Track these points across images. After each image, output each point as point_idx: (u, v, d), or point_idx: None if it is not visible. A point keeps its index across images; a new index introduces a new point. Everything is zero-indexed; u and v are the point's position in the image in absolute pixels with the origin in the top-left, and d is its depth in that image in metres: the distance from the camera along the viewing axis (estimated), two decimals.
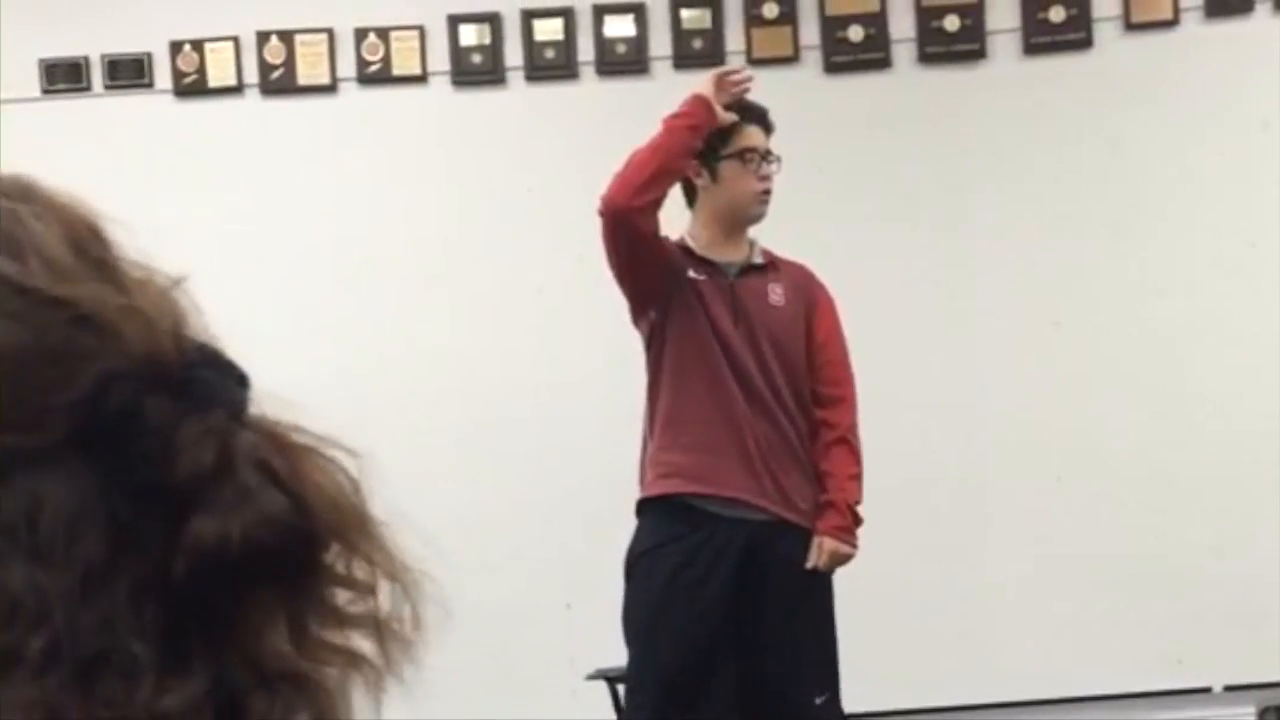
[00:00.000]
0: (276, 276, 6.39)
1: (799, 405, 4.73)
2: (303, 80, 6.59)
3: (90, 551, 0.64)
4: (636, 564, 4.67)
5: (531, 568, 6.34)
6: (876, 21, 6.57)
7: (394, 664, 0.70)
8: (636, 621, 4.66)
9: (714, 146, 4.74)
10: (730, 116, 4.66)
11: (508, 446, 6.38)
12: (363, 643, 0.70)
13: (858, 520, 4.70)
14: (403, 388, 6.40)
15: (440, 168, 6.53)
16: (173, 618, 0.65)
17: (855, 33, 6.56)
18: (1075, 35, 6.54)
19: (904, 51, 6.59)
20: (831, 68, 6.58)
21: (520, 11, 6.59)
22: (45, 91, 6.56)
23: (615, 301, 4.77)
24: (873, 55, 6.57)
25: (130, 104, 6.56)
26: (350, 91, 6.61)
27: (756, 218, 4.80)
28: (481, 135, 6.55)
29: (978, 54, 6.57)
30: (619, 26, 6.61)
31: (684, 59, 6.57)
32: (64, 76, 6.56)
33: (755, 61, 6.53)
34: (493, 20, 6.59)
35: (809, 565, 4.62)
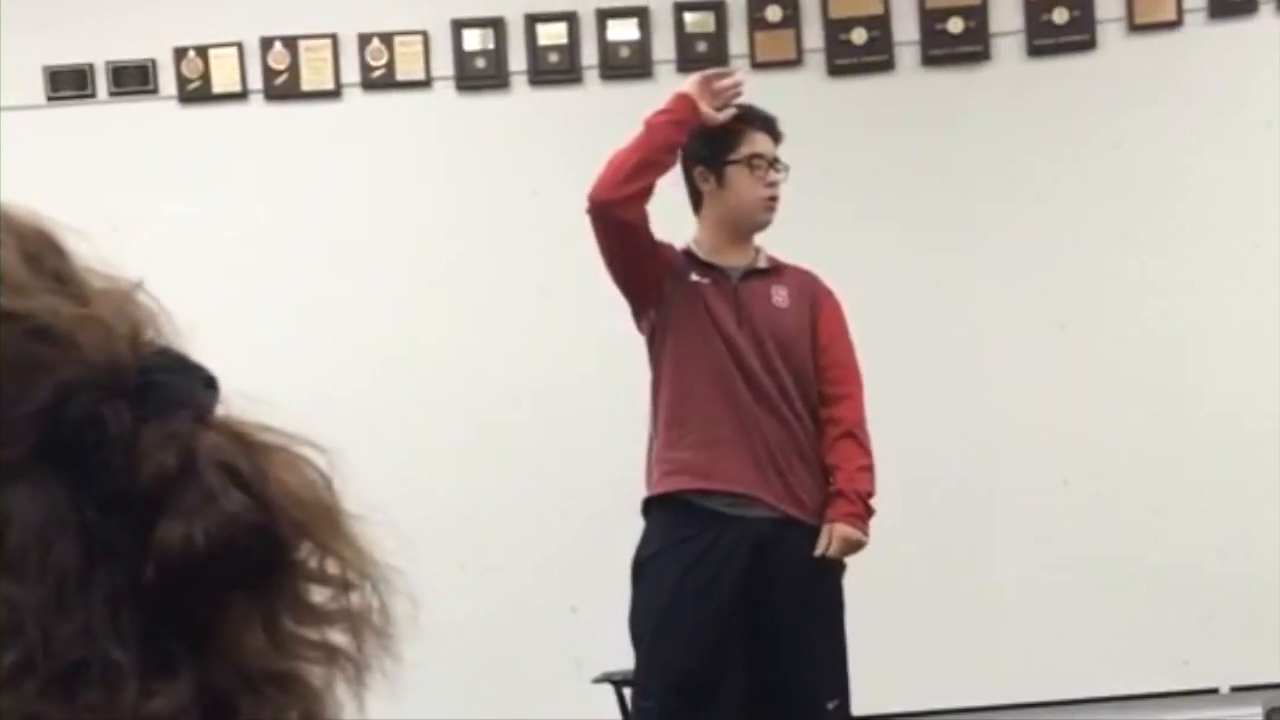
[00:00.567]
0: (281, 281, 6.40)
1: (806, 405, 4.73)
2: (307, 86, 6.60)
3: (62, 562, 0.64)
4: (644, 566, 4.67)
5: (536, 571, 6.34)
6: (880, 24, 6.57)
7: (370, 658, 0.70)
8: (644, 625, 4.66)
9: (721, 152, 4.74)
10: (718, 116, 4.65)
11: (511, 449, 6.39)
12: (341, 638, 0.69)
13: (870, 510, 4.69)
14: (406, 390, 6.41)
15: (444, 172, 6.53)
16: (151, 623, 0.65)
17: (858, 35, 6.56)
18: (1079, 37, 6.54)
19: (907, 54, 6.59)
20: (835, 70, 6.58)
21: (524, 16, 6.59)
22: (50, 98, 6.57)
23: (618, 304, 4.77)
24: (876, 58, 6.57)
25: (135, 110, 6.57)
26: (354, 97, 6.62)
27: (762, 225, 4.80)
28: (485, 139, 6.56)
29: (981, 56, 6.57)
30: (622, 30, 6.61)
31: (687, 63, 6.57)
32: (68, 83, 6.57)
33: (759, 65, 6.54)
34: (496, 25, 6.60)
35: (817, 551, 4.61)
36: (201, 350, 0.70)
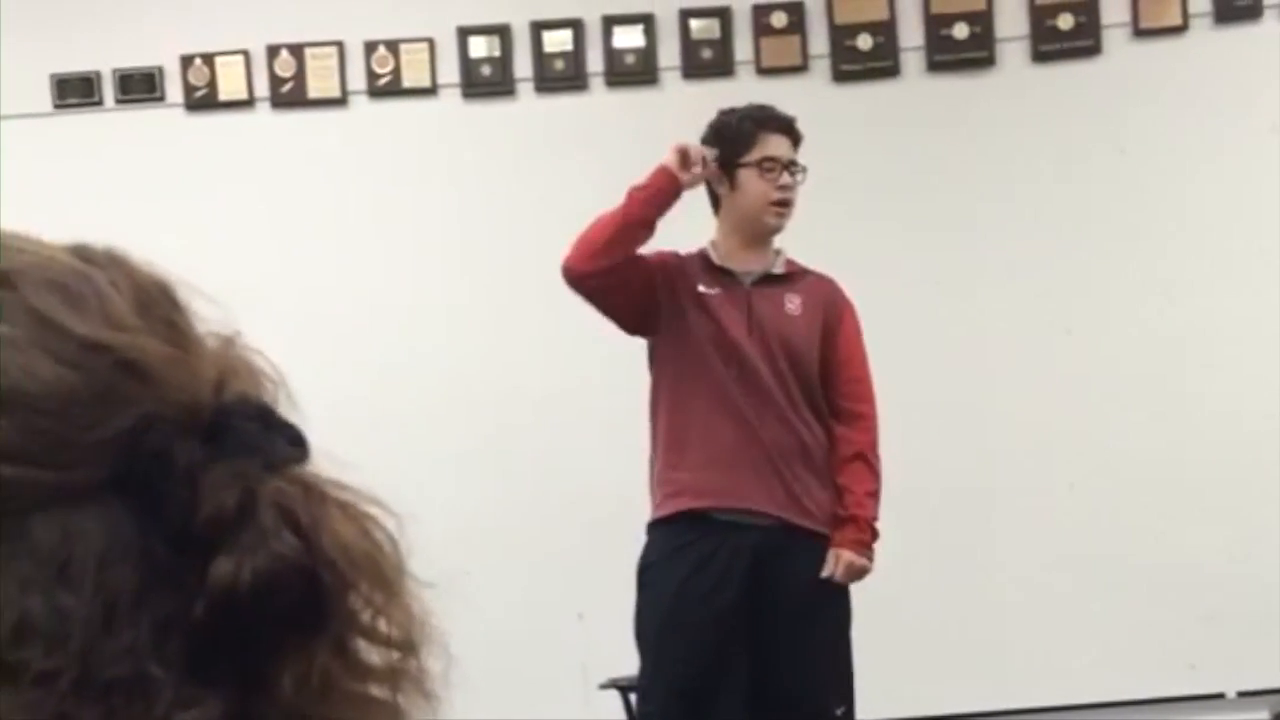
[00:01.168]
0: (287, 288, 6.40)
1: (814, 413, 4.73)
2: (313, 93, 6.61)
3: (117, 583, 0.66)
4: (647, 572, 4.68)
5: (543, 577, 6.35)
6: (885, 30, 6.58)
7: (409, 717, 0.72)
8: (647, 630, 4.67)
9: (734, 154, 4.75)
10: (699, 180, 4.64)
11: (517, 454, 6.39)
12: (385, 693, 0.72)
13: (875, 535, 4.71)
14: (412, 396, 6.42)
15: (450, 179, 6.54)
16: (197, 654, 0.67)
17: (864, 41, 6.57)
18: (1084, 42, 6.54)
19: (913, 59, 6.60)
20: (840, 76, 6.59)
21: (529, 23, 6.60)
22: (57, 106, 6.59)
23: None
24: (881, 63, 6.58)
25: (141, 118, 6.59)
26: (360, 104, 6.63)
27: (771, 229, 4.79)
28: (491, 146, 6.57)
29: (987, 61, 6.58)
30: (628, 37, 6.62)
31: (693, 69, 6.59)
32: (75, 91, 6.58)
33: (764, 71, 6.55)
34: (502, 32, 6.61)
35: (824, 574, 4.62)
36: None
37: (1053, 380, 6.41)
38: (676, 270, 4.73)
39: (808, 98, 6.33)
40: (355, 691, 0.70)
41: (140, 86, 6.60)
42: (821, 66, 6.60)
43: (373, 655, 0.71)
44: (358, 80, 6.62)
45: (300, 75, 6.61)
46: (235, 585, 0.67)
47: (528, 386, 6.41)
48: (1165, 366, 6.37)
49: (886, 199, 6.47)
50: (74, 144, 6.50)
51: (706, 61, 6.59)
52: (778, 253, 4.83)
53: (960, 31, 6.56)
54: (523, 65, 6.62)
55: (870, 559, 4.68)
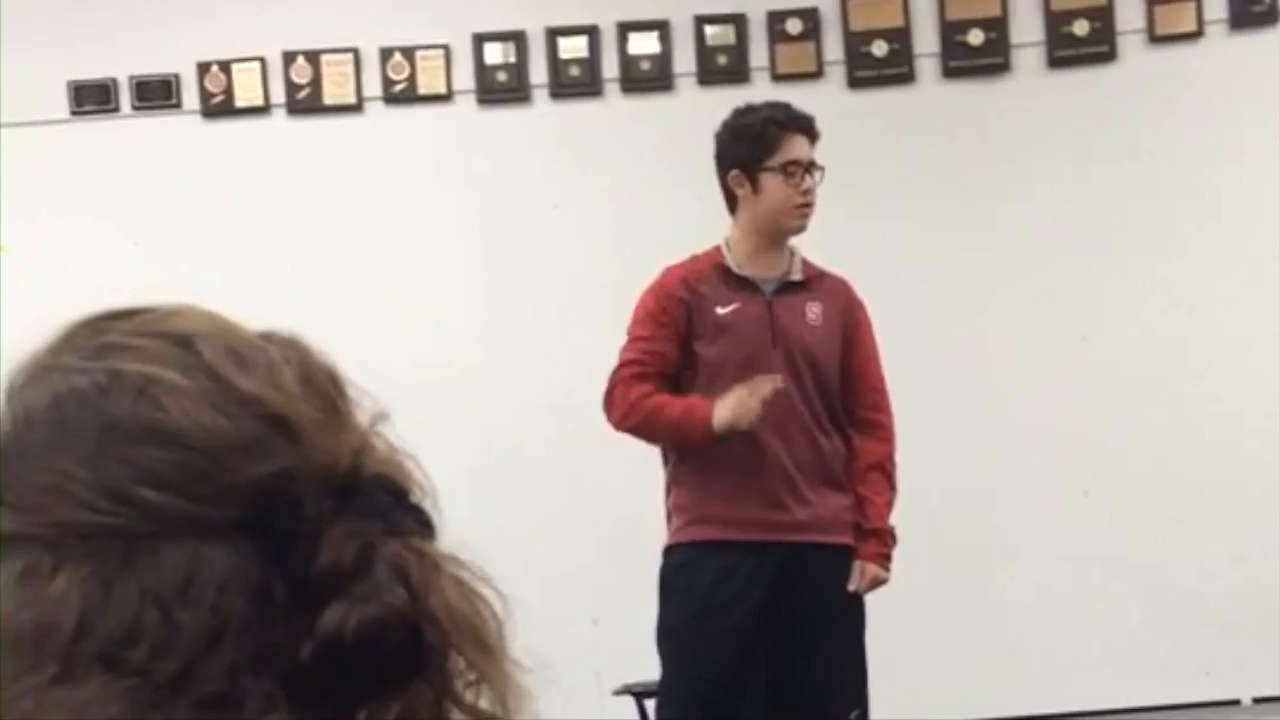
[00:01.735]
0: (302, 294, 6.41)
1: (834, 423, 4.72)
2: (329, 100, 6.63)
3: (231, 611, 0.73)
4: (671, 579, 4.67)
5: (558, 583, 6.34)
6: (900, 36, 6.58)
7: None
8: (670, 638, 4.66)
9: (757, 157, 4.69)
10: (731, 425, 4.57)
11: (532, 460, 6.40)
12: None
13: (894, 542, 4.71)
14: (427, 403, 6.42)
15: (465, 185, 6.55)
16: (296, 690, 0.73)
17: (879, 48, 6.57)
18: (1099, 48, 6.54)
19: (927, 66, 6.60)
20: (855, 83, 6.59)
21: (545, 29, 6.61)
22: (74, 113, 6.61)
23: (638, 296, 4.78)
24: (896, 70, 6.58)
25: (158, 125, 6.60)
26: (376, 110, 6.65)
27: (796, 230, 4.76)
28: (507, 153, 6.58)
29: (1002, 68, 6.58)
30: (643, 44, 6.63)
31: (708, 75, 6.60)
32: (92, 98, 6.60)
33: (779, 77, 6.56)
34: (517, 39, 6.62)
35: (851, 587, 4.62)
36: None
37: (1068, 386, 6.41)
38: (694, 303, 4.67)
39: (823, 104, 6.31)
40: None
41: (157, 93, 6.62)
42: (836, 73, 6.61)
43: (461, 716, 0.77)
44: (373, 86, 6.63)
45: (316, 82, 6.63)
46: (342, 632, 0.73)
47: (542, 392, 6.42)
48: (1181, 372, 6.36)
49: (902, 205, 6.47)
50: (91, 150, 6.52)
51: (721, 68, 6.60)
52: (793, 253, 4.80)
53: (975, 38, 6.56)
54: (538, 71, 6.63)
55: (890, 569, 4.69)
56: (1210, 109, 6.45)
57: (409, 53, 6.62)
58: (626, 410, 4.61)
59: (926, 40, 6.60)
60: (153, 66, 6.61)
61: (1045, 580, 6.35)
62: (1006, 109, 6.54)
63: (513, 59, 6.63)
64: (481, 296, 6.50)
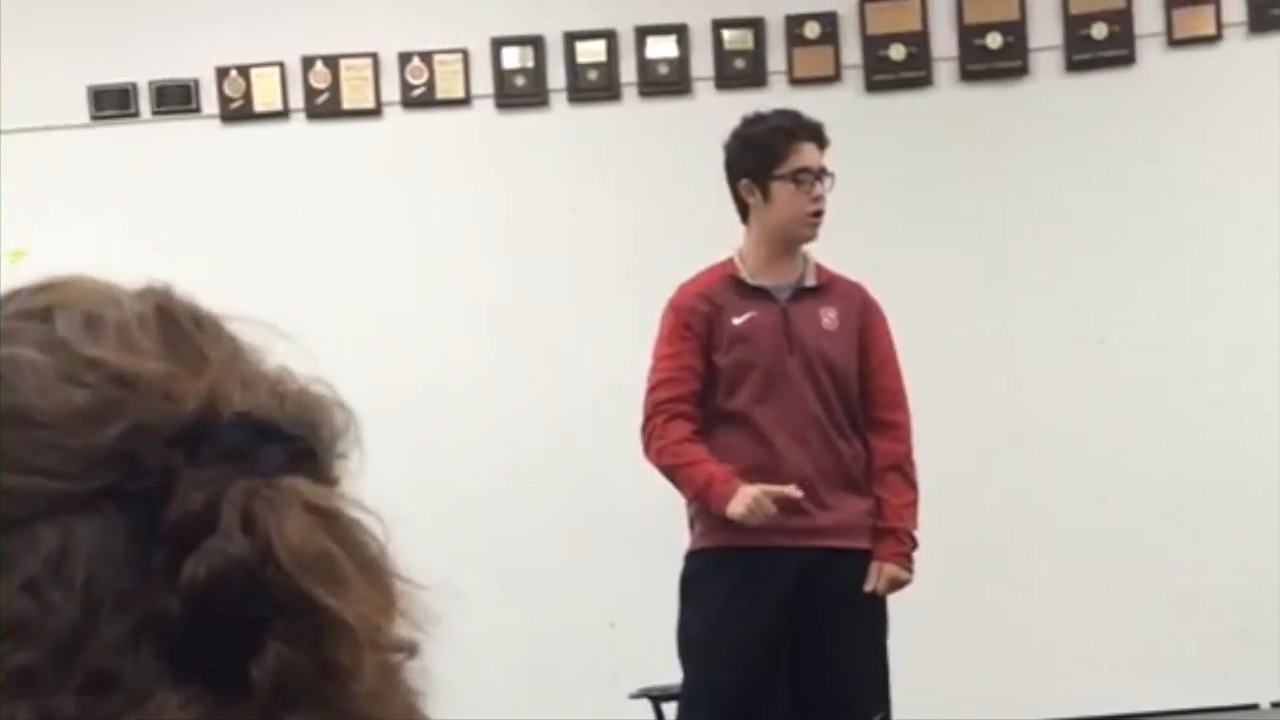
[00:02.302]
0: (321, 298, 6.43)
1: (853, 428, 4.72)
2: (348, 104, 6.65)
3: (104, 584, 0.71)
4: (690, 585, 4.67)
5: (575, 587, 6.36)
6: (918, 40, 6.58)
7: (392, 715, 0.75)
8: (691, 642, 4.66)
9: (767, 166, 4.70)
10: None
11: (550, 464, 6.41)
12: (365, 689, 0.74)
13: (914, 545, 4.70)
14: (446, 408, 6.44)
15: (484, 189, 6.56)
16: (178, 653, 0.71)
17: (897, 51, 6.57)
18: (1117, 52, 6.53)
19: (945, 69, 6.60)
20: (873, 86, 6.59)
21: (563, 34, 6.62)
22: (94, 118, 6.63)
23: (657, 321, 4.79)
24: (914, 74, 6.58)
25: (177, 129, 6.63)
26: (395, 115, 6.66)
27: (807, 239, 4.77)
28: (525, 157, 6.59)
29: (1020, 71, 6.57)
30: (661, 48, 6.64)
31: (726, 79, 6.60)
32: (112, 103, 6.63)
33: (797, 81, 6.56)
34: (535, 43, 6.63)
35: (868, 588, 4.62)
36: None
37: (1085, 390, 6.40)
38: (712, 315, 4.69)
39: (840, 108, 6.34)
40: (332, 690, 0.72)
41: (176, 98, 6.64)
42: (854, 77, 6.61)
43: (348, 654, 0.73)
44: (392, 91, 6.65)
45: (335, 86, 6.65)
46: (193, 587, 0.71)
47: (563, 396, 6.43)
48: (1198, 375, 6.35)
49: (919, 209, 6.47)
50: (111, 155, 6.54)
51: (739, 72, 6.60)
52: (806, 259, 4.81)
53: (993, 41, 6.56)
54: (556, 76, 6.64)
55: (910, 570, 4.68)
56: (1229, 112, 6.44)
57: (427, 57, 6.64)
58: (661, 450, 4.65)
59: (944, 44, 6.59)
60: (172, 71, 6.63)
61: (1062, 584, 6.34)
62: (1025, 112, 6.53)
63: (531, 63, 6.64)
64: (500, 300, 6.51)
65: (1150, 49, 6.55)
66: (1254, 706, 6.27)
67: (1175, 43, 6.53)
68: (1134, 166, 6.45)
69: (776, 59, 6.62)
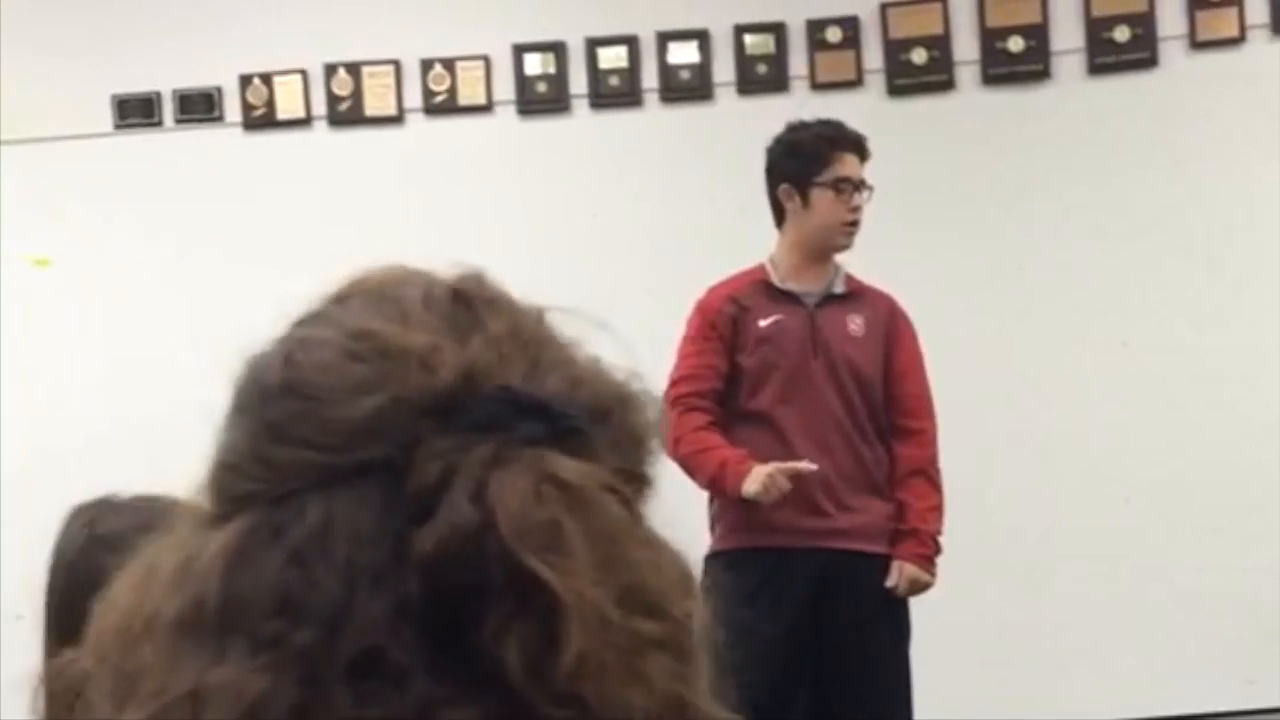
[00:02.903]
0: None
1: (877, 433, 4.73)
2: (370, 111, 6.66)
3: (363, 561, 0.70)
4: (712, 586, 4.67)
5: None
6: (940, 44, 6.57)
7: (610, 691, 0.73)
8: (712, 644, 4.66)
9: (808, 172, 4.71)
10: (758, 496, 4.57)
11: None
12: (618, 660, 0.73)
13: (938, 549, 4.70)
14: None
15: (506, 195, 6.57)
16: (430, 636, 0.70)
17: (918, 55, 6.57)
18: (1140, 55, 6.51)
19: (967, 73, 6.59)
20: (895, 91, 6.59)
21: (584, 40, 6.63)
22: (117, 126, 6.65)
23: (680, 327, 4.79)
24: (936, 78, 6.57)
25: (200, 137, 6.65)
26: (417, 122, 6.68)
27: (842, 248, 4.79)
28: (547, 163, 6.60)
29: (1042, 75, 6.56)
30: (683, 53, 6.64)
31: (748, 85, 6.60)
32: (135, 111, 6.65)
33: (819, 86, 6.55)
34: (557, 49, 6.64)
35: (888, 584, 4.62)
36: None
37: (1109, 392, 6.39)
38: (738, 316, 4.70)
39: (862, 112, 6.33)
40: (548, 664, 0.70)
41: (199, 106, 6.66)
42: (876, 81, 6.60)
43: (566, 629, 0.71)
44: (414, 98, 6.66)
45: (357, 94, 6.66)
46: (422, 557, 0.69)
47: None
48: (1222, 378, 6.33)
49: (942, 212, 6.46)
50: (134, 164, 6.56)
51: (761, 77, 6.60)
52: (838, 268, 4.81)
53: (1015, 45, 6.55)
54: (578, 82, 6.64)
55: (933, 573, 4.68)
56: (1252, 114, 6.42)
57: (449, 64, 6.65)
58: (677, 440, 4.64)
59: (966, 47, 6.59)
60: (195, 80, 6.65)
61: (1086, 586, 6.32)
62: (1047, 116, 6.52)
63: (552, 69, 6.65)
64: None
65: (1173, 51, 6.53)
66: (1279, 711, 6.25)
67: (1198, 45, 6.51)
68: (1157, 169, 6.44)
69: (798, 64, 6.61)
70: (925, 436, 4.76)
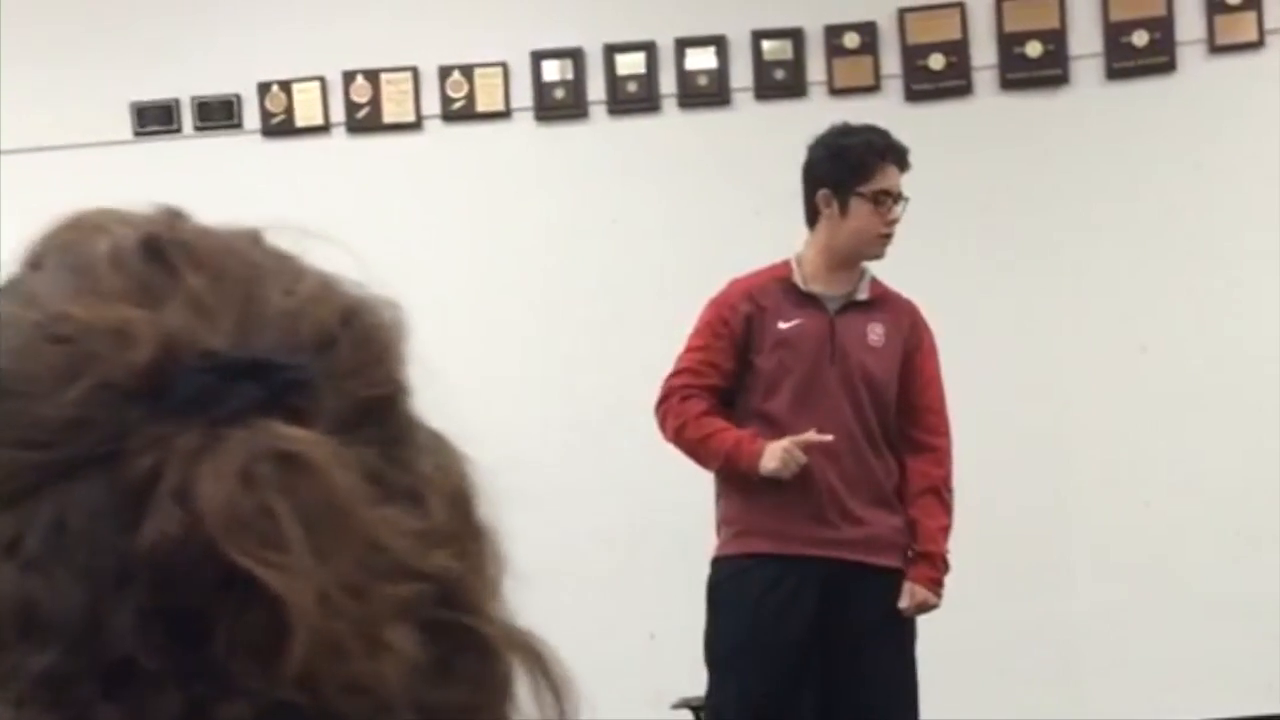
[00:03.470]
0: None
1: (888, 444, 4.71)
2: (388, 118, 6.67)
3: (102, 562, 0.63)
4: (718, 592, 4.68)
5: (615, 598, 6.36)
6: (958, 49, 6.57)
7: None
8: (720, 650, 4.66)
9: (851, 181, 4.68)
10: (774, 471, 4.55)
11: (590, 475, 6.42)
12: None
13: (947, 569, 4.69)
14: (484, 419, 6.44)
15: (524, 202, 6.58)
16: (178, 635, 0.63)
17: (936, 61, 6.56)
18: (1158, 59, 6.51)
19: (985, 78, 6.58)
20: (913, 96, 6.58)
21: (602, 46, 6.64)
22: (137, 133, 6.68)
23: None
24: (954, 83, 6.57)
25: (219, 144, 6.67)
26: (435, 128, 6.69)
27: (874, 257, 4.76)
28: (565, 169, 6.60)
29: (1060, 80, 6.56)
30: (700, 59, 6.64)
31: (765, 90, 6.60)
32: (155, 119, 6.67)
33: (836, 91, 6.55)
34: (575, 55, 6.65)
35: (900, 605, 4.61)
36: None
37: (1128, 397, 6.38)
38: (756, 316, 4.68)
39: (880, 118, 6.30)
40: (257, 671, 0.63)
41: (218, 113, 6.68)
42: (894, 86, 6.60)
43: (281, 629, 0.63)
44: (432, 105, 6.68)
45: (375, 100, 6.67)
46: (139, 566, 0.63)
47: (600, 408, 6.43)
48: (1241, 382, 6.32)
49: (959, 218, 6.45)
50: (153, 171, 6.58)
51: (779, 83, 6.60)
52: (864, 273, 4.79)
53: (1033, 50, 6.54)
54: (595, 88, 6.65)
55: (940, 595, 4.67)
56: (1271, 119, 6.41)
57: (467, 71, 6.66)
58: (680, 426, 4.63)
59: (984, 53, 6.58)
60: (214, 87, 6.67)
61: (1106, 591, 6.32)
62: (1065, 121, 6.52)
63: (570, 76, 6.66)
64: (540, 311, 6.53)
65: (1191, 56, 6.52)
66: None
67: (1216, 49, 6.50)
68: (1175, 174, 6.43)
69: (816, 69, 6.62)
70: (940, 454, 4.73)
